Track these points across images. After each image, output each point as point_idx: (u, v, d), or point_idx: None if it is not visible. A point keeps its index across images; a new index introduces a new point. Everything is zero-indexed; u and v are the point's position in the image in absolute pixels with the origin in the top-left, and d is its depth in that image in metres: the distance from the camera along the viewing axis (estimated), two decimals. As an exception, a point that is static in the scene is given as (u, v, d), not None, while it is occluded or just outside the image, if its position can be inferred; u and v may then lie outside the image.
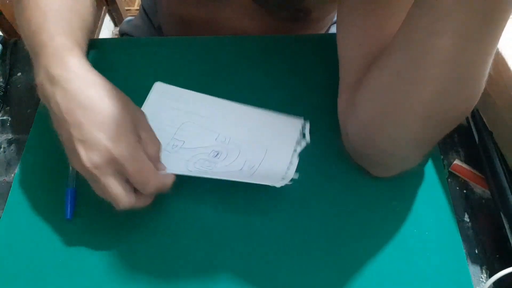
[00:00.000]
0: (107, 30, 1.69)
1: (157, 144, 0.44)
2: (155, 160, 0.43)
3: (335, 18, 0.74)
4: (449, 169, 0.50)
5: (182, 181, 0.44)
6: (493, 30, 0.32)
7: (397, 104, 0.39)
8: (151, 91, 0.55)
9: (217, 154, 0.49)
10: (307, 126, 0.50)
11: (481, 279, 0.43)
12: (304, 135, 0.50)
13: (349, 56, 0.45)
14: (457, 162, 0.50)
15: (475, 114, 0.52)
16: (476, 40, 0.33)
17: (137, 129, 0.42)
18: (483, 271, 0.44)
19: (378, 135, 0.42)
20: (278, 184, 0.42)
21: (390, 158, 0.45)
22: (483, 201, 0.48)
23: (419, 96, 0.37)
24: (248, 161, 0.48)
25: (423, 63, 0.35)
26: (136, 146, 0.40)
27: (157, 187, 0.41)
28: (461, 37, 0.33)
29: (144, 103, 0.53)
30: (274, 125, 0.51)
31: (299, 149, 0.49)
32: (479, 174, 0.49)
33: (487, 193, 0.49)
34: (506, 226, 0.45)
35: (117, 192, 0.40)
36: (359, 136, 0.44)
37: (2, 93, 0.56)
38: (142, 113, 0.45)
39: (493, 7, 0.31)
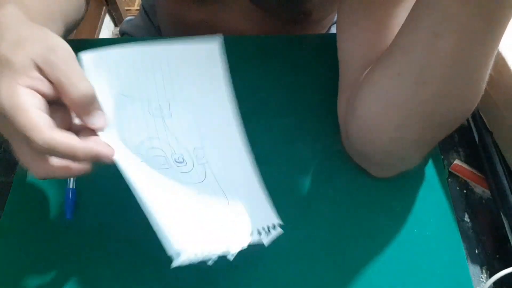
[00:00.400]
0: (107, 30, 1.69)
1: (80, 88, 0.33)
2: (80, 109, 0.34)
3: (335, 19, 0.74)
4: (449, 169, 0.50)
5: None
6: (495, 31, 0.32)
7: (398, 105, 0.39)
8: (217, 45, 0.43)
9: (182, 162, 0.39)
10: (276, 232, 0.38)
11: (481, 279, 0.43)
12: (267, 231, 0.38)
13: (349, 56, 0.45)
14: (457, 162, 0.50)
15: (475, 114, 0.52)
16: (478, 41, 0.33)
17: (45, 72, 0.33)
18: (483, 271, 0.44)
19: (379, 136, 0.42)
20: (176, 250, 0.32)
21: (390, 159, 0.44)
22: (483, 201, 0.48)
23: (420, 97, 0.37)
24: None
25: (425, 65, 0.35)
26: (21, 93, 0.32)
27: (48, 147, 0.31)
28: (464, 39, 0.33)
29: (196, 45, 0.42)
30: (257, 204, 0.40)
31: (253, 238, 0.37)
32: (479, 174, 0.49)
33: (487, 193, 0.49)
34: (506, 226, 0.45)
35: (22, 158, 0.34)
36: (359, 136, 0.44)
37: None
38: (61, 51, 0.34)
39: (495, 8, 0.31)
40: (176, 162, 0.39)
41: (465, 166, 0.50)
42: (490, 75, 0.36)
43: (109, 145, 0.35)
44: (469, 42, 0.33)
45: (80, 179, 0.48)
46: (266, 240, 0.38)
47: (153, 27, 0.81)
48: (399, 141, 0.41)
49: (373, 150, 0.44)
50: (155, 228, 0.33)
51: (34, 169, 0.35)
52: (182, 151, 0.40)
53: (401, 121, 0.39)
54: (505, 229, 0.45)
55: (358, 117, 0.43)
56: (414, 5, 0.36)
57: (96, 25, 1.60)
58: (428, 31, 0.34)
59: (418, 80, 0.36)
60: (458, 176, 0.50)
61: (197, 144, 0.41)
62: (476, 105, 0.38)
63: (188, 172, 0.38)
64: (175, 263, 0.32)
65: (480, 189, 0.49)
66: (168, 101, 0.40)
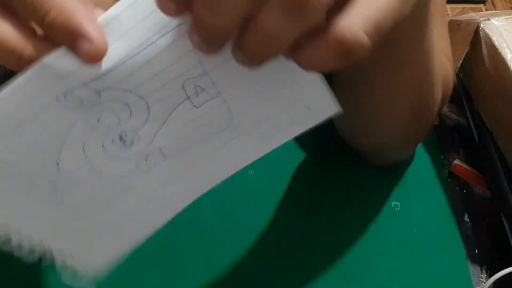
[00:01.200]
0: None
1: None
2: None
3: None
4: (449, 169, 0.50)
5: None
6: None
7: (371, 116, 0.39)
8: None
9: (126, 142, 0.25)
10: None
11: (481, 279, 0.43)
12: None
13: None
14: (457, 162, 0.50)
15: (475, 114, 0.52)
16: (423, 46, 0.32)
17: None
18: (483, 271, 0.44)
19: (362, 139, 0.43)
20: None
21: (381, 152, 0.45)
22: (483, 201, 0.48)
23: (393, 109, 0.37)
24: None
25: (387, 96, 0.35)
26: None
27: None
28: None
29: None
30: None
31: None
32: (479, 174, 0.49)
33: (487, 193, 0.49)
34: (506, 226, 0.45)
35: None
36: (346, 136, 0.45)
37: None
38: None
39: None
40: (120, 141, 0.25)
41: (465, 166, 0.50)
42: (490, 75, 0.36)
43: (99, 26, 0.20)
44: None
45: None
46: None
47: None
48: (383, 141, 0.42)
49: (361, 147, 0.45)
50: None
51: None
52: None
53: (379, 128, 0.40)
54: (505, 229, 0.45)
55: (340, 119, 0.44)
56: None
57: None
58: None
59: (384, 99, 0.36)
60: (458, 176, 0.50)
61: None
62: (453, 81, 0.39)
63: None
64: None
65: (480, 189, 0.49)
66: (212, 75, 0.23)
